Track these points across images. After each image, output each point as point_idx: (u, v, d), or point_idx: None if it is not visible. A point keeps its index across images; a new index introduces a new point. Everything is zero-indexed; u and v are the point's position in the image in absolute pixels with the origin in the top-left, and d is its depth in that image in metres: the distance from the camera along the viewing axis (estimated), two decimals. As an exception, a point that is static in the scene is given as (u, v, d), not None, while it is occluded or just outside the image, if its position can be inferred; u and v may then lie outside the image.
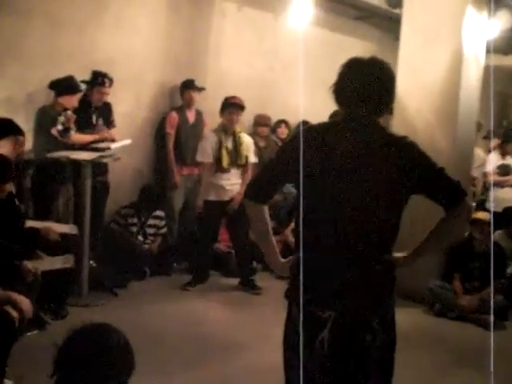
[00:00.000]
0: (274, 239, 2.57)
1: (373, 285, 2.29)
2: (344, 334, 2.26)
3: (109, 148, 5.47)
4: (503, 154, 7.13)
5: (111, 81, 5.67)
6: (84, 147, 5.36)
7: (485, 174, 7.30)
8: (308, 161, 2.28)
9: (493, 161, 7.22)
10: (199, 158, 5.84)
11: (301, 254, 2.41)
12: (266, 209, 2.49)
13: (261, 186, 2.48)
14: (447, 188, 2.37)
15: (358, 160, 2.26)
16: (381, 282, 2.32)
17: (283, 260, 2.53)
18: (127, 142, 5.65)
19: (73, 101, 5.26)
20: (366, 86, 2.31)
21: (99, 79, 5.60)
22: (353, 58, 2.40)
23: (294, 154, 2.31)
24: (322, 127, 2.46)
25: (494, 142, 7.36)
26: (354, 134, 2.31)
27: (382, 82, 2.35)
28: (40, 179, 5.05)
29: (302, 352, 2.33)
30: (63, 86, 5.17)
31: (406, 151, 2.33)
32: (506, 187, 6.95)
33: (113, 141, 5.61)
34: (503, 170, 6.99)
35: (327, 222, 2.28)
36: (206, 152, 5.73)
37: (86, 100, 5.66)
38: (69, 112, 5.09)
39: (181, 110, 6.47)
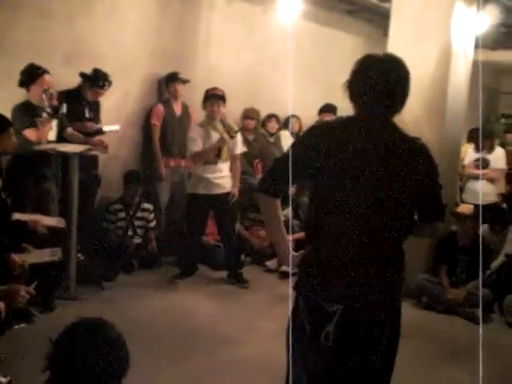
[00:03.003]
0: (285, 232, 2.58)
1: (383, 280, 2.30)
2: (351, 328, 2.27)
3: (101, 131, 5.53)
4: (478, 148, 7.22)
5: (110, 84, 5.66)
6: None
7: (463, 167, 7.37)
8: (322, 156, 2.29)
9: (471, 154, 7.33)
10: (191, 149, 5.72)
11: (290, 248, 2.41)
12: (278, 202, 2.50)
13: (273, 180, 2.48)
14: (433, 206, 2.45)
15: (372, 157, 2.27)
16: (391, 277, 2.33)
17: (295, 253, 2.54)
18: (116, 127, 5.69)
19: (41, 86, 4.99)
20: (380, 83, 2.30)
21: (100, 82, 5.58)
22: (367, 54, 2.39)
23: (307, 149, 2.33)
24: (336, 123, 2.48)
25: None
26: (369, 131, 2.32)
27: (397, 79, 2.34)
28: (14, 171, 4.95)
29: (291, 346, 2.35)
30: (24, 76, 5.01)
31: (419, 153, 2.37)
32: (482, 180, 7.03)
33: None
34: (481, 162, 7.06)
35: (339, 217, 2.29)
36: (196, 143, 5.68)
37: (79, 93, 5.65)
38: (50, 90, 4.98)
39: (167, 103, 6.47)
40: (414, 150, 2.35)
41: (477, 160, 7.16)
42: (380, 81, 2.30)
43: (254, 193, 2.63)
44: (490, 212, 6.38)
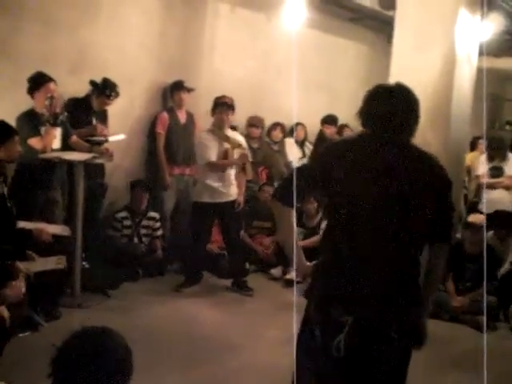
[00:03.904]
0: (299, 241, 2.62)
1: (395, 295, 2.32)
2: (360, 339, 2.29)
3: (106, 140, 5.55)
4: (491, 158, 7.18)
5: (118, 94, 5.70)
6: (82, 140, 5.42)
7: (476, 177, 7.33)
8: (338, 171, 2.35)
9: (484, 163, 7.27)
10: (205, 157, 5.69)
11: (303, 257, 2.40)
12: (292, 212, 2.54)
13: (289, 190, 2.51)
14: (443, 224, 2.46)
15: (386, 174, 2.32)
16: (403, 293, 2.35)
17: (308, 263, 2.57)
18: (121, 136, 5.72)
19: (45, 94, 4.96)
20: (391, 112, 2.37)
21: (107, 92, 5.61)
22: (378, 84, 2.48)
23: (325, 164, 2.40)
24: (354, 140, 2.52)
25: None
26: (385, 149, 2.37)
27: (407, 108, 2.41)
28: (20, 180, 4.93)
29: (299, 354, 2.34)
30: (30, 84, 5.01)
31: (434, 171, 2.41)
32: (498, 189, 6.99)
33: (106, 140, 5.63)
34: (495, 172, 7.03)
35: (354, 230, 2.33)
36: (211, 151, 5.65)
37: (86, 102, 5.69)
38: (52, 98, 4.96)
39: (172, 111, 6.48)
40: (428, 169, 2.40)
41: (491, 169, 7.12)
42: (391, 110, 2.37)
43: (270, 200, 2.67)
44: (498, 218, 6.36)
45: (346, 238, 2.35)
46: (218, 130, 5.73)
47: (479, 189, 7.42)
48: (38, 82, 4.99)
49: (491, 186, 7.02)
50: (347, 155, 2.38)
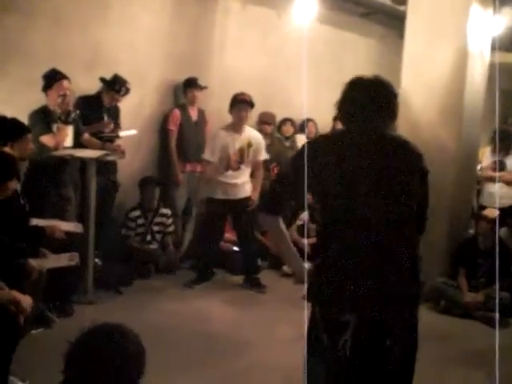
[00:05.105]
0: (292, 246, 2.62)
1: (396, 291, 2.31)
2: (364, 338, 2.28)
3: (117, 136, 5.59)
4: (494, 151, 7.13)
5: (128, 90, 5.70)
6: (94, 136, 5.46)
7: (480, 169, 7.28)
8: (320, 170, 2.34)
9: (488, 157, 7.23)
10: (206, 156, 5.70)
11: (303, 264, 2.40)
12: (279, 219, 2.55)
13: (273, 198, 2.55)
14: (420, 216, 2.49)
15: (367, 167, 2.32)
16: (404, 289, 2.35)
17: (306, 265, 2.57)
18: (133, 131, 5.74)
19: (57, 92, 4.97)
20: (368, 104, 2.38)
21: (117, 87, 5.62)
22: (356, 77, 2.47)
23: (303, 166, 2.37)
24: (329, 137, 2.57)
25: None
26: (361, 142, 2.37)
27: (384, 101, 2.41)
28: (33, 177, 4.95)
29: (308, 356, 2.33)
30: (43, 81, 5.01)
31: (414, 158, 2.44)
32: (499, 183, 6.94)
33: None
34: (498, 165, 6.98)
35: (352, 228, 2.32)
36: (213, 151, 5.65)
37: (98, 99, 5.71)
38: (64, 95, 4.97)
39: (183, 108, 6.48)
40: (405, 156, 2.42)
41: (494, 162, 7.07)
42: (368, 102, 2.38)
43: (257, 213, 2.70)
44: (510, 215, 6.31)
45: (337, 237, 2.35)
46: (236, 127, 5.72)
47: (482, 182, 7.39)
48: (52, 79, 5.00)
49: (491, 179, 6.97)
50: (323, 153, 2.38)
